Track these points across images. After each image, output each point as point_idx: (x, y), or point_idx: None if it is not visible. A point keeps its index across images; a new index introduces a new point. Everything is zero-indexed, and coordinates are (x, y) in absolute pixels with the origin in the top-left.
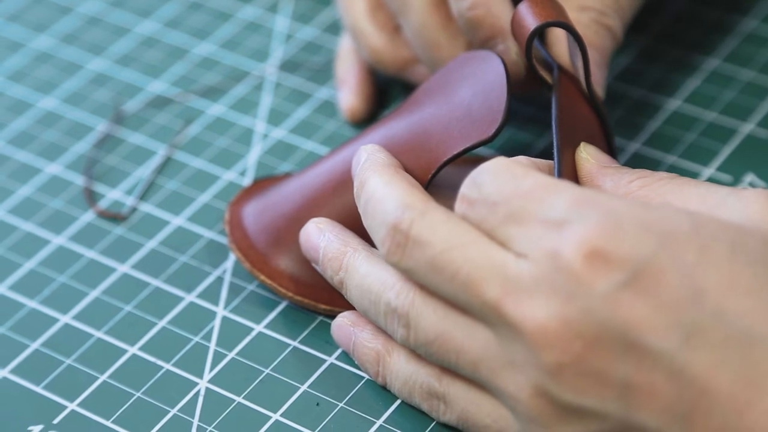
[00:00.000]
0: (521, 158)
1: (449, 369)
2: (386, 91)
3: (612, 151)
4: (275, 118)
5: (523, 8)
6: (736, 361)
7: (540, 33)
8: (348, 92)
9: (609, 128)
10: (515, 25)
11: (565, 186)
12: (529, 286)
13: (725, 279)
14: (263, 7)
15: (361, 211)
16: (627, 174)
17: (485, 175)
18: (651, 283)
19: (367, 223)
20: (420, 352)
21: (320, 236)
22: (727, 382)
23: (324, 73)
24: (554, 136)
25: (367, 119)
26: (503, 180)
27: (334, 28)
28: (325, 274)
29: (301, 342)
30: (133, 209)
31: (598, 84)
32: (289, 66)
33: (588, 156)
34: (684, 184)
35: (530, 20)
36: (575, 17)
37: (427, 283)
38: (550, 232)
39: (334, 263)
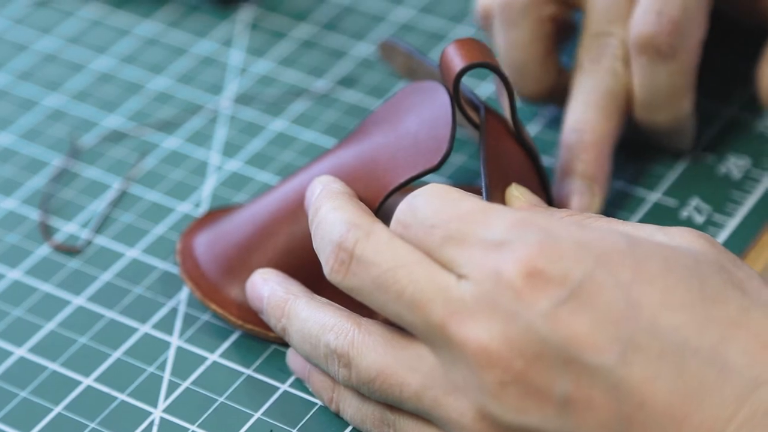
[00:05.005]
0: (455, 189)
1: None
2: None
3: (546, 188)
4: (230, 150)
5: (451, 50)
6: (671, 374)
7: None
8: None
9: (540, 167)
10: (443, 67)
11: (502, 209)
12: (471, 307)
13: (659, 294)
14: (218, 41)
15: (312, 236)
16: (557, 213)
17: (420, 199)
18: (588, 300)
19: (315, 245)
20: (363, 392)
21: (264, 286)
22: (663, 394)
23: (277, 106)
24: (482, 175)
25: None
26: (439, 204)
27: (288, 62)
28: (269, 323)
29: (254, 370)
30: (89, 242)
31: None
32: (243, 99)
33: (519, 194)
34: (612, 222)
35: (457, 61)
36: (576, 187)
37: (372, 303)
38: (490, 253)
39: (277, 311)
